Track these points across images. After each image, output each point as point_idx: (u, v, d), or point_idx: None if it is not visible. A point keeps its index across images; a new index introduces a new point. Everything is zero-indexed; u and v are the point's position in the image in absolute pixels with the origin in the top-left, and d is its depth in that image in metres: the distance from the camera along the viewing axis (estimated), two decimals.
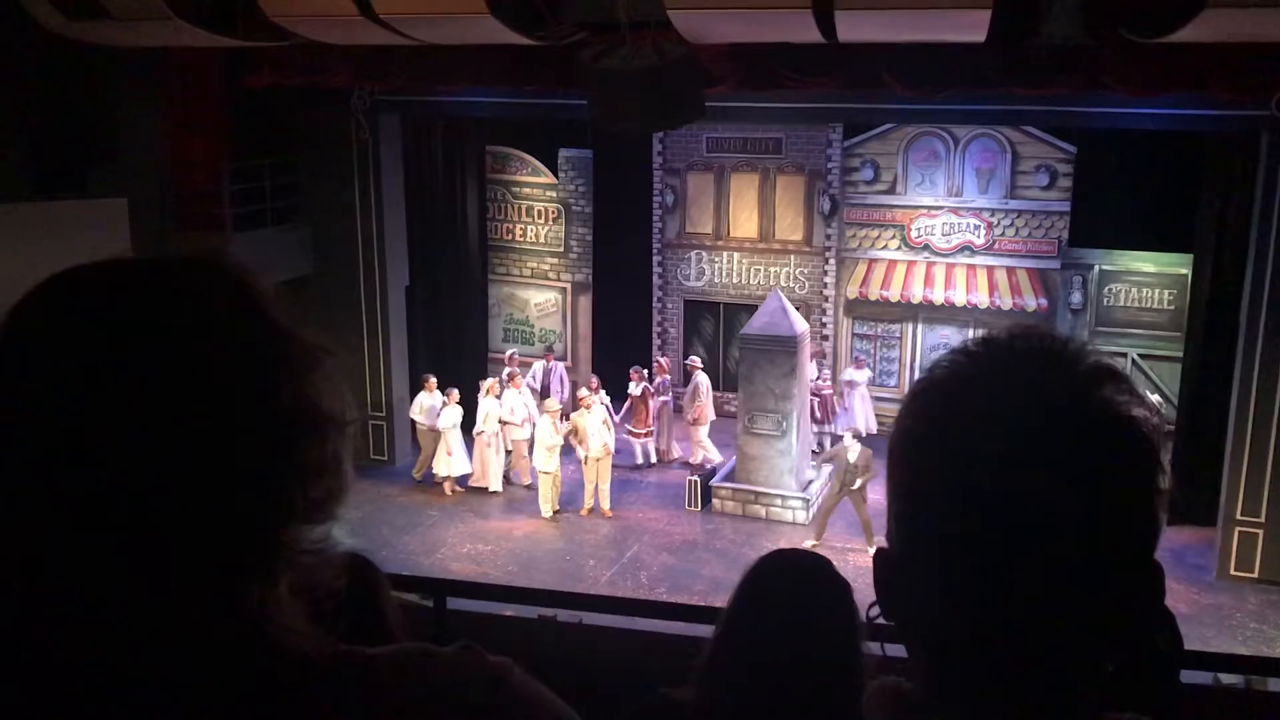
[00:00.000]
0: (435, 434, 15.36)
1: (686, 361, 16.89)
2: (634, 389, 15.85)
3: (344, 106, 15.44)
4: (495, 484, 15.34)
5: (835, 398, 16.54)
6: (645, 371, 16.29)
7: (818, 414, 16.40)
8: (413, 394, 16.13)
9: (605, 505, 14.62)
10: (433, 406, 15.38)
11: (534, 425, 15.09)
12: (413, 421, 15.85)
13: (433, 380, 15.56)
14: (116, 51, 12.61)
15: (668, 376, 16.64)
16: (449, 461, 15.22)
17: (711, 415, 16.09)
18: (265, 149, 15.16)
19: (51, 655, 0.92)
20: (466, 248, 17.66)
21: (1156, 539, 0.99)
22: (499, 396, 15.39)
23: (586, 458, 14.56)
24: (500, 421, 15.23)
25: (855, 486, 13.43)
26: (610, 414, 15.01)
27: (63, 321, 0.94)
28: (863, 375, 16.60)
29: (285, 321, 0.99)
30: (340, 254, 15.93)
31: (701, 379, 16.10)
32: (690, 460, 16.03)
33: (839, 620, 2.28)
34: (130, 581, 0.90)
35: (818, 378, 16.67)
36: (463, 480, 15.39)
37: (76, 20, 11.77)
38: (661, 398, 16.36)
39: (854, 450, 13.46)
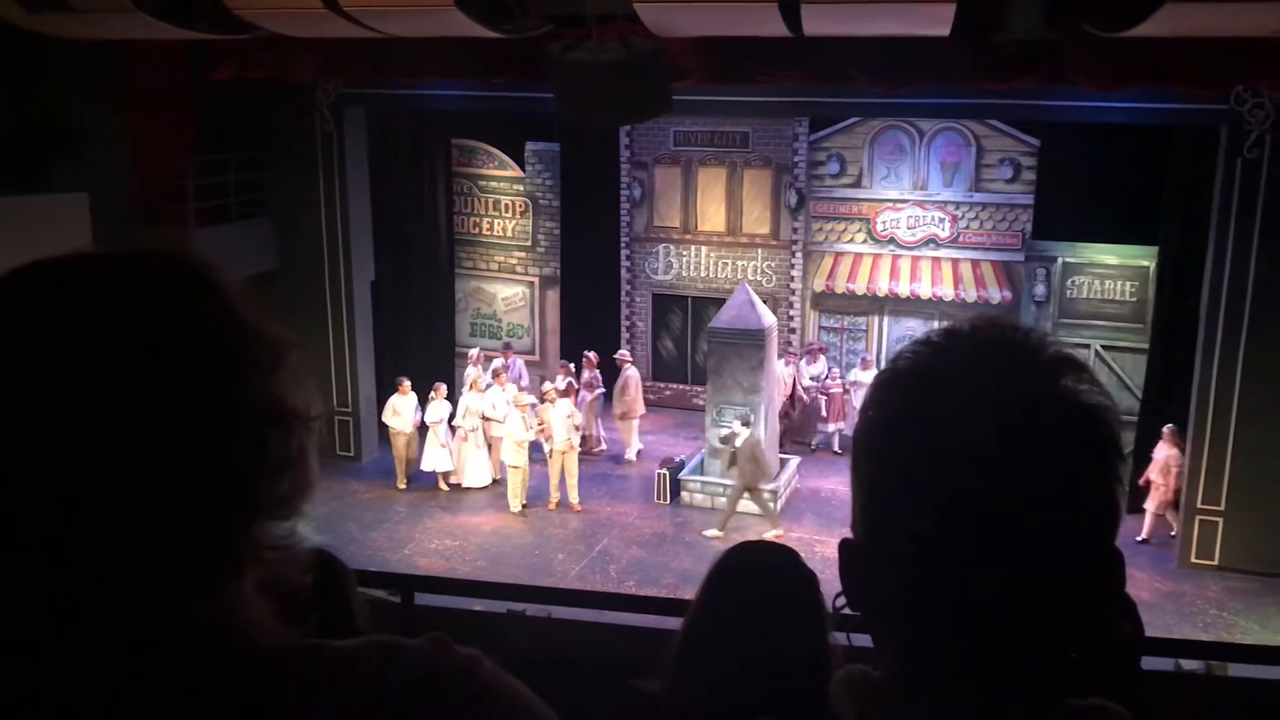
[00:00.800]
0: (407, 437, 15.23)
1: (616, 355, 16.84)
2: (559, 383, 15.87)
3: (308, 100, 15.32)
4: (470, 479, 15.28)
5: (845, 396, 16.57)
6: (571, 366, 16.35)
7: (825, 413, 16.50)
8: (380, 391, 16.04)
9: (574, 499, 14.62)
10: (416, 408, 15.26)
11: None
12: (382, 424, 15.66)
13: (406, 383, 15.34)
14: (77, 44, 12.45)
15: (596, 372, 16.63)
16: (437, 456, 15.12)
17: (641, 409, 16.16)
18: (229, 143, 15.01)
19: (16, 656, 0.91)
20: (433, 242, 17.58)
21: (1117, 527, 1.00)
22: (482, 391, 15.32)
23: (551, 451, 14.55)
24: (482, 417, 15.17)
25: (746, 482, 13.59)
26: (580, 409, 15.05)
27: (23, 315, 0.93)
28: (869, 376, 16.52)
29: (250, 316, 0.99)
30: (305, 249, 15.82)
31: (631, 373, 16.17)
32: (627, 455, 16.19)
33: (806, 611, 2.29)
34: (96, 580, 0.89)
35: (825, 375, 16.70)
36: (430, 478, 15.32)
37: (36, 12, 11.60)
38: (598, 390, 16.43)
39: (741, 437, 13.66)
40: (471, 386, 15.32)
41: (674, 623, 2.47)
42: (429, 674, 0.99)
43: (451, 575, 11.97)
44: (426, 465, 15.18)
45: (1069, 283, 16.02)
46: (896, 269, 17.31)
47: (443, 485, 15.27)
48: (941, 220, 17.13)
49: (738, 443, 13.62)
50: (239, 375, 0.95)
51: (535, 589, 8.53)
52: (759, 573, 2.38)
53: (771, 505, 13.95)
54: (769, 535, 13.29)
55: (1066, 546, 0.97)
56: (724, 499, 14.44)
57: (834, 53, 11.89)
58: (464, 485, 15.26)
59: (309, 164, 15.60)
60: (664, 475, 14.89)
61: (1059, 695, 1.02)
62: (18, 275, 0.96)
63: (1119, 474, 0.99)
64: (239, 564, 0.96)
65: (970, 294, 16.78)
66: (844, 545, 1.08)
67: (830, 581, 1.62)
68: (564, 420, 14.49)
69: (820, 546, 12.89)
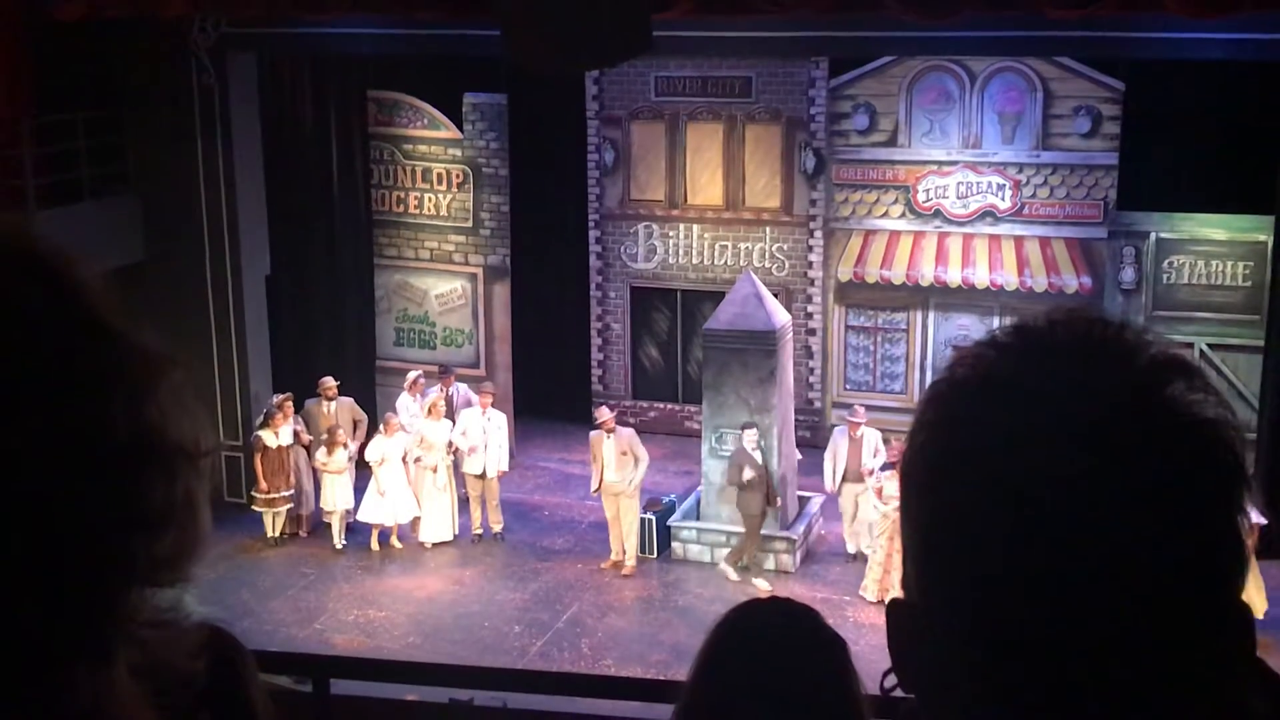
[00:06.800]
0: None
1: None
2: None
3: (181, 44, 15.28)
4: (430, 532, 15.27)
5: None
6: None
7: None
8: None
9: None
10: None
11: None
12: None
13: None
14: None
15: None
16: (380, 506, 15.02)
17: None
18: (79, 100, 14.97)
19: None
20: (345, 225, 17.56)
21: (1245, 575, 1.01)
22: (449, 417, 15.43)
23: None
24: (450, 449, 15.20)
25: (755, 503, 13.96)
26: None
27: None
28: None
29: (117, 322, 0.98)
30: (180, 235, 15.76)
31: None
32: None
33: (834, 691, 2.29)
34: None
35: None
36: (384, 535, 15.26)
37: None
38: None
39: (749, 439, 14.02)
40: (430, 412, 15.29)
41: (663, 711, 2.47)
42: None
43: (376, 655, 11.95)
44: (364, 515, 15.15)
45: (1165, 264, 16.10)
46: (944, 251, 17.37)
47: (376, 544, 15.19)
48: (1001, 187, 17.19)
49: (748, 446, 13.94)
50: (105, 399, 0.94)
51: (485, 671, 8.52)
52: (770, 640, 2.37)
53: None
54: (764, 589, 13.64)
55: (1180, 602, 0.97)
56: (727, 550, 14.47)
57: None
58: (423, 540, 15.23)
59: (183, 127, 15.55)
60: (649, 521, 14.87)
61: None
62: None
63: (1244, 506, 1.00)
64: (108, 647, 0.95)
65: (1039, 281, 16.85)
66: (893, 607, 1.08)
67: (867, 654, 1.63)
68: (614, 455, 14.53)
69: (851, 610, 12.91)
